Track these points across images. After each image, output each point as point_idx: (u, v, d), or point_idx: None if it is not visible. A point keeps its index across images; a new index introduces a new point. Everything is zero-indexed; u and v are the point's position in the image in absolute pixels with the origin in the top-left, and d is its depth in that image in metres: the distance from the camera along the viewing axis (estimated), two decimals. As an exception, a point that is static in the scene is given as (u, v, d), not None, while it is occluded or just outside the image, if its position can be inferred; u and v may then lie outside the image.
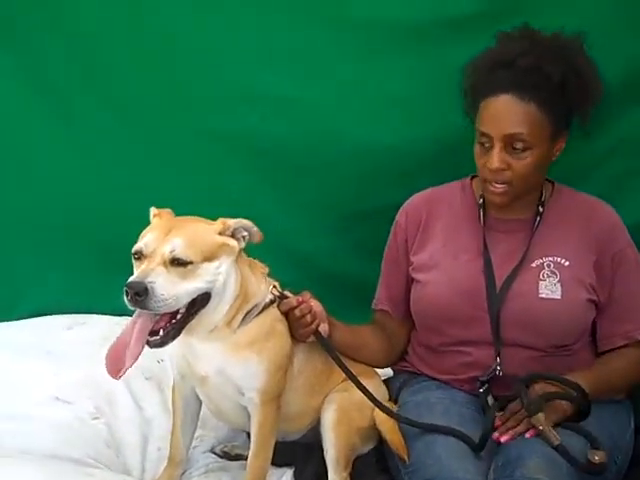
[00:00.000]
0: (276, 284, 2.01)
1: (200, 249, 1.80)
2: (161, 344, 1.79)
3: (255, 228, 1.91)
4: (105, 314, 2.59)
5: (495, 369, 2.01)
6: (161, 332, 1.78)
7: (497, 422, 1.95)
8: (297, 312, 1.97)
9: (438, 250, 2.15)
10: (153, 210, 1.94)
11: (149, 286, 1.71)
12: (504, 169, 1.98)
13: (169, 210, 1.94)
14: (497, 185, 2.01)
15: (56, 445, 2.03)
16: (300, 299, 1.99)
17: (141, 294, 1.70)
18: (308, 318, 1.98)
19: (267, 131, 2.49)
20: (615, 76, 2.24)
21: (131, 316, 1.80)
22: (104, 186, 2.59)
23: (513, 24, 2.08)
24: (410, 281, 2.20)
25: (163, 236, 1.80)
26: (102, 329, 2.45)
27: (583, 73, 1.99)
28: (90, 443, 2.10)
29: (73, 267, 2.66)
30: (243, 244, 1.90)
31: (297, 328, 1.99)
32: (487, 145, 2.00)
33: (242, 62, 2.45)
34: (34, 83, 2.53)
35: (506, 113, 1.96)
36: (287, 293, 2.01)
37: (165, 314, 1.78)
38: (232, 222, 1.88)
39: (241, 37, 2.45)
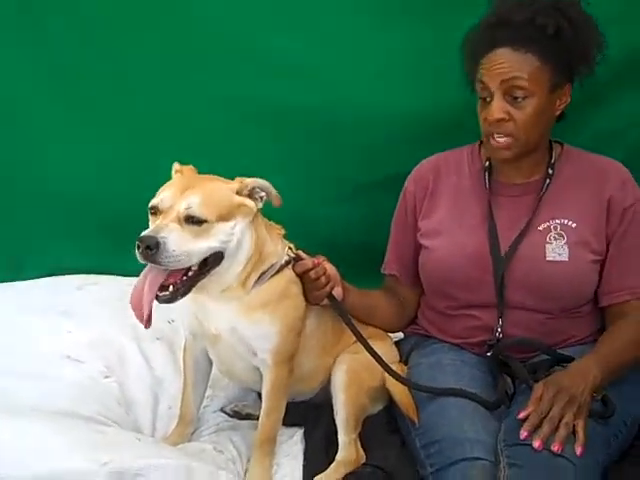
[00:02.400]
0: (292, 246, 2.01)
1: (216, 208, 1.79)
2: (170, 300, 1.78)
3: (273, 190, 1.90)
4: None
5: (496, 330, 2.02)
6: (171, 288, 1.77)
7: (521, 415, 1.83)
8: (312, 274, 1.98)
9: (445, 216, 2.16)
10: (176, 166, 1.93)
11: (161, 241, 1.70)
12: (505, 119, 1.98)
13: (192, 167, 1.93)
14: (499, 139, 2.00)
15: (68, 403, 2.03)
16: (316, 261, 2.00)
17: (152, 248, 1.69)
18: (322, 280, 1.99)
19: (279, 98, 2.47)
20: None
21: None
22: (117, 153, 2.59)
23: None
24: (418, 247, 2.21)
25: (180, 193, 1.79)
26: (113, 289, 2.46)
27: (578, 24, 1.97)
28: (101, 401, 2.10)
29: (83, 230, 2.66)
30: (260, 204, 1.89)
31: (311, 290, 2.00)
32: (488, 99, 2.00)
33: (255, 28, 2.43)
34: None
35: (504, 62, 1.96)
36: (303, 254, 2.02)
37: (176, 270, 1.76)
38: (249, 181, 1.88)
39: (253, 3, 2.43)
